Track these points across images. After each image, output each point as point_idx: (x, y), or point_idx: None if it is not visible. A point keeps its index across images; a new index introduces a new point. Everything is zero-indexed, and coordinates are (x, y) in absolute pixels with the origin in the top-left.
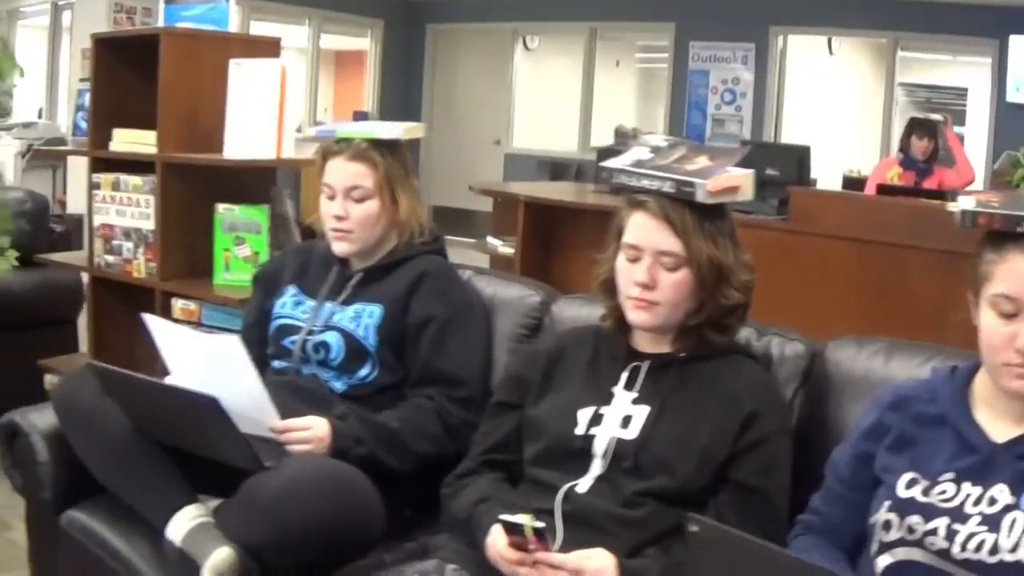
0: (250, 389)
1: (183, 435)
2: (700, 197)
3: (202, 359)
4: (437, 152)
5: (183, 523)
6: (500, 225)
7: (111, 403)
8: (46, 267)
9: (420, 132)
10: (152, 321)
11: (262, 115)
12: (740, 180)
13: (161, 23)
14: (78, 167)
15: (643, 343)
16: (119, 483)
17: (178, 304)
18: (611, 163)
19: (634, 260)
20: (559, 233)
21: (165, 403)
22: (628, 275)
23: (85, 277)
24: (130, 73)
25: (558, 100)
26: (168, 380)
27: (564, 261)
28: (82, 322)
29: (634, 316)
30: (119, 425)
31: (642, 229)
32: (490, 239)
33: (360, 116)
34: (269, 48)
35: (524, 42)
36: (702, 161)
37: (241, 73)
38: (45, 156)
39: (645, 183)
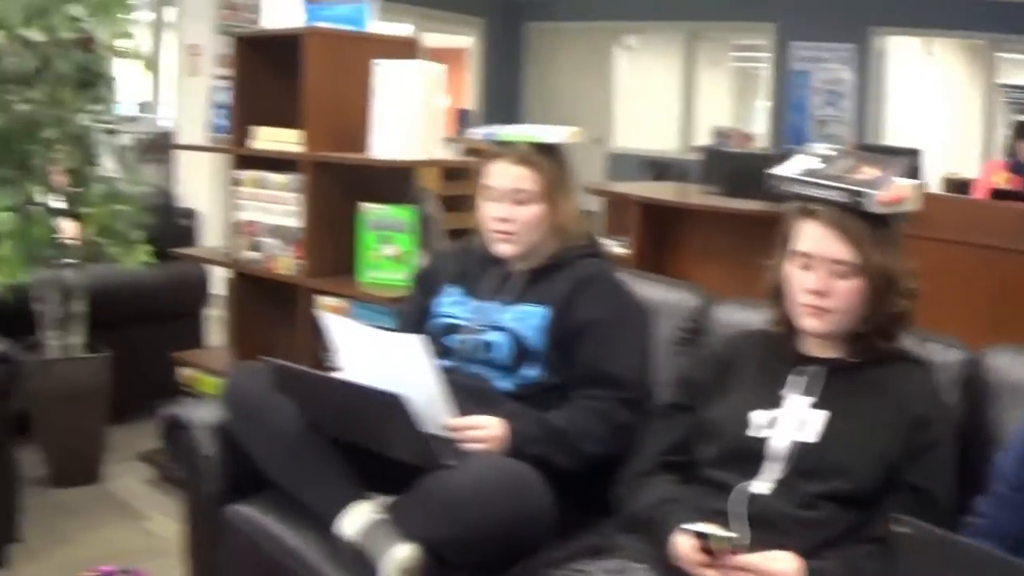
0: (427, 388)
1: (357, 431)
2: (871, 207)
3: (380, 357)
4: None
5: (357, 519)
6: (612, 225)
7: (281, 397)
8: (174, 261)
9: (580, 136)
10: (330, 318)
11: (409, 116)
12: (909, 191)
13: (262, 22)
14: (192, 162)
15: (812, 348)
16: (289, 477)
17: (327, 301)
18: (781, 171)
19: (806, 268)
20: (672, 233)
21: (342, 399)
22: (800, 282)
23: (218, 271)
24: (266, 71)
25: (656, 99)
26: (338, 376)
27: (679, 261)
28: (209, 315)
29: (807, 322)
30: (290, 420)
31: (815, 238)
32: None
33: (463, 115)
34: (406, 48)
35: (623, 41)
36: (870, 171)
37: (386, 73)
38: (150, 150)
39: (815, 192)
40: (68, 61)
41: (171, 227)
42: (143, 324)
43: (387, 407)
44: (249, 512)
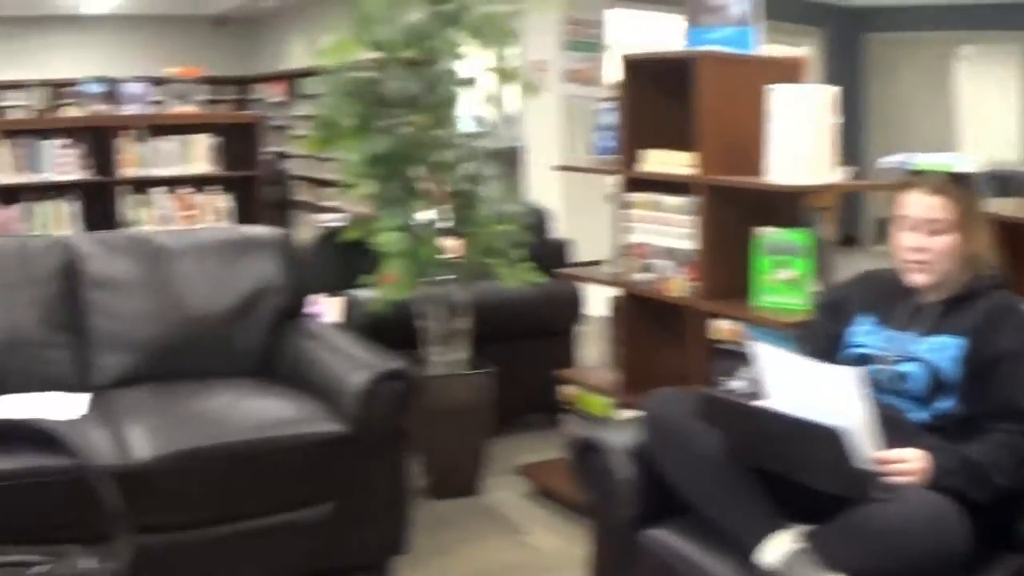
0: (857, 420)
1: (783, 461)
2: None
3: (812, 387)
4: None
5: (779, 548)
6: None
7: (701, 424)
8: (551, 279)
9: (985, 164)
10: (761, 347)
11: (804, 140)
12: None
13: (605, 38)
14: (541, 178)
15: None
16: (709, 503)
17: (722, 324)
18: None
19: None
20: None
21: (773, 429)
22: None
23: (591, 289)
24: (651, 93)
25: (995, 110)
26: (759, 403)
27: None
28: (583, 332)
29: None
30: (711, 446)
31: None
32: None
33: None
34: (793, 70)
35: (961, 52)
36: None
37: (780, 97)
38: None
39: None
40: (448, 83)
41: (545, 245)
42: (518, 340)
43: (824, 439)
44: (665, 536)
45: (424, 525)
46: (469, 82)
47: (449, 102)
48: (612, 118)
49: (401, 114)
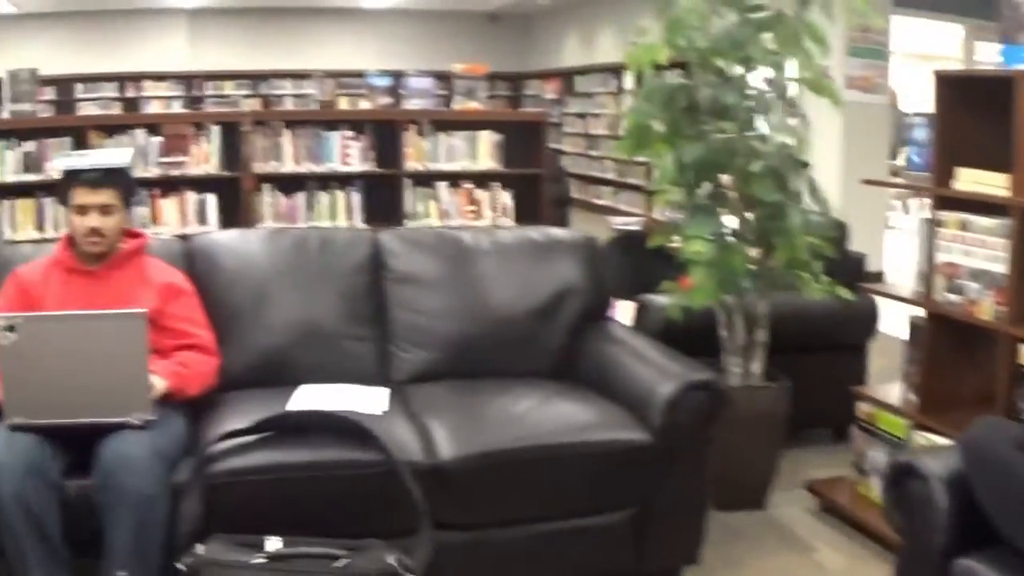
0: None
1: None
2: None
3: None
4: None
5: None
6: None
7: (1022, 455)
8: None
9: None
10: None
11: None
12: None
13: (891, 45)
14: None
15: None
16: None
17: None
18: None
19: None
20: None
21: None
22: None
23: (884, 305)
24: (969, 111)
25: None
26: None
27: None
28: (872, 349)
29: None
30: None
31: None
32: None
33: None
34: None
35: None
36: None
37: None
38: None
39: None
40: (761, 92)
41: (844, 258)
42: (811, 353)
43: None
44: (976, 567)
45: (712, 536)
46: (783, 91)
47: (761, 110)
48: (922, 133)
49: (711, 121)
